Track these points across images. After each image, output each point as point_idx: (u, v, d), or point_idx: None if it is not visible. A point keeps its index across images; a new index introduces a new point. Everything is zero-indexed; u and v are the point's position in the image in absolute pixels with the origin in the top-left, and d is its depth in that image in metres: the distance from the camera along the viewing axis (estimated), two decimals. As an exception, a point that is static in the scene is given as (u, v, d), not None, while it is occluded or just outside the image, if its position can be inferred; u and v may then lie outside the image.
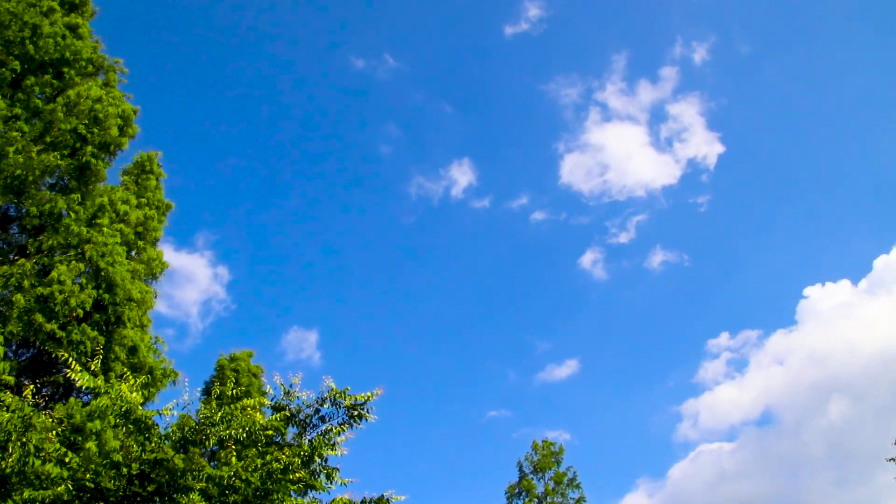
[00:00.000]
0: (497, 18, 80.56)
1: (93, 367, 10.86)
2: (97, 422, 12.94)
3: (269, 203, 78.56)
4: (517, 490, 34.96)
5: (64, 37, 17.57)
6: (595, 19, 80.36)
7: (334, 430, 10.90)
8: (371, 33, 77.88)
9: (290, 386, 11.14)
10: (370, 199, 79.73)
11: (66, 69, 17.71)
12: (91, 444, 12.04)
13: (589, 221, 75.02)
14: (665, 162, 71.80)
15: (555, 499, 34.15)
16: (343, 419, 11.03)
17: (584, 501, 34.22)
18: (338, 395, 10.95)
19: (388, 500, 11.06)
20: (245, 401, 11.18)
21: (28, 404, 9.75)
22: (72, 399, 14.73)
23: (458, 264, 76.39)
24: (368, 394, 10.95)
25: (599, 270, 72.81)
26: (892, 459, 18.85)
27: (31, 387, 10.84)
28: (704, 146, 70.33)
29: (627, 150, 71.15)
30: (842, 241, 71.57)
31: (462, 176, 75.34)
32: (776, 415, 61.89)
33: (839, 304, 60.92)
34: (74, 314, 14.58)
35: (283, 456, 10.40)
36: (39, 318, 14.06)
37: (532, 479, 35.19)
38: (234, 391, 11.48)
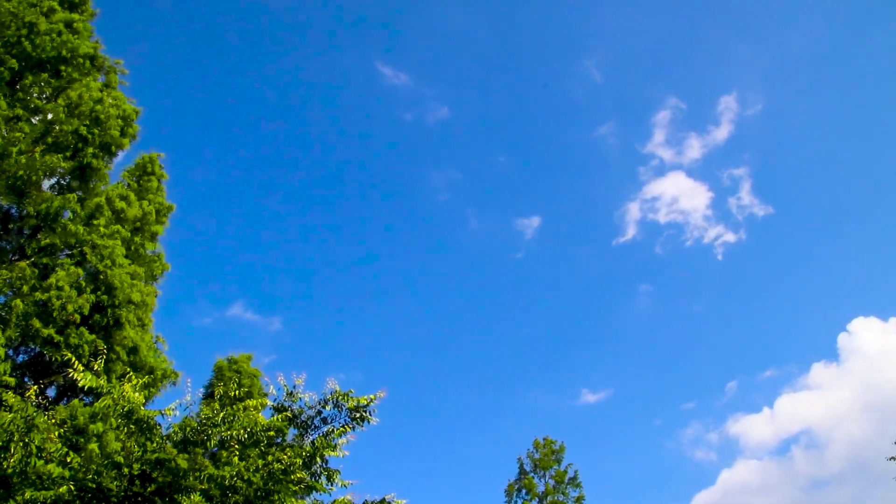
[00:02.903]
0: (551, 68, 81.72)
1: (96, 367, 10.87)
2: (99, 424, 12.94)
3: (316, 244, 78.67)
4: (517, 487, 34.75)
5: (60, 33, 17.46)
6: (650, 71, 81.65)
7: (336, 432, 10.90)
8: (423, 74, 78.29)
9: (294, 387, 11.14)
10: (422, 240, 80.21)
11: (63, 67, 17.63)
12: (93, 446, 12.05)
13: (640, 266, 76.23)
14: (715, 212, 73.37)
15: (556, 497, 34.00)
16: (345, 421, 11.05)
17: (585, 500, 34.17)
18: (340, 397, 10.95)
19: (389, 502, 11.07)
20: (248, 401, 11.21)
21: (31, 405, 9.76)
22: (75, 401, 14.72)
23: (513, 307, 77.31)
24: (371, 396, 10.96)
25: (649, 311, 74.58)
26: (892, 459, 18.87)
27: (35, 388, 10.83)
28: (758, 206, 72.24)
29: (680, 201, 72.80)
30: (887, 277, 72.38)
31: (520, 222, 76.36)
32: (809, 439, 62.71)
33: (882, 338, 61.86)
34: (72, 318, 14.57)
35: (285, 457, 10.41)
36: (37, 323, 14.04)
37: (533, 477, 34.89)
38: (237, 392, 11.49)
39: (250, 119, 78.52)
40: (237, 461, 10.82)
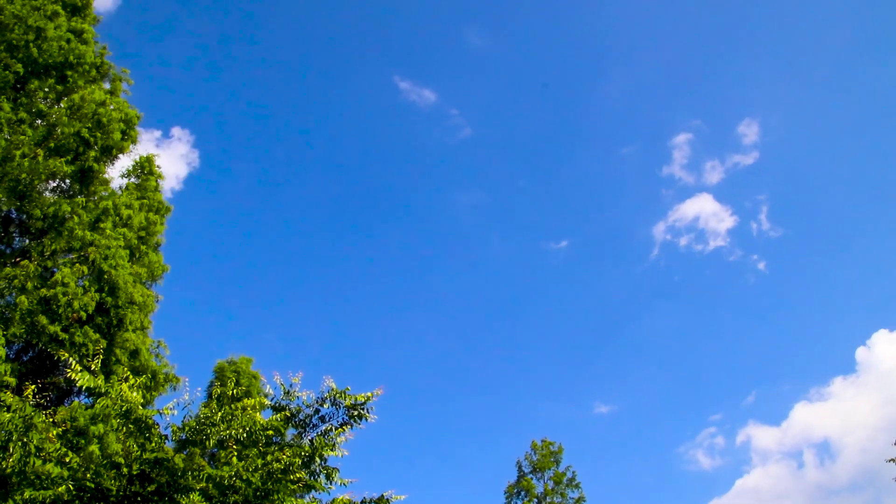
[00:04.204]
0: (575, 90, 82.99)
1: (93, 368, 10.91)
2: (100, 425, 12.99)
3: (335, 261, 79.17)
4: (516, 490, 34.56)
5: (68, 41, 17.65)
6: (672, 94, 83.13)
7: (335, 431, 10.92)
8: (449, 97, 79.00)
9: (290, 386, 11.15)
10: (449, 261, 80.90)
11: (69, 73, 17.79)
12: (94, 447, 12.09)
13: (662, 286, 77.42)
14: (736, 232, 74.38)
15: (554, 499, 33.86)
16: (343, 419, 11.05)
17: (584, 501, 34.00)
18: (338, 395, 10.94)
19: (388, 499, 11.06)
20: (245, 401, 11.25)
21: (29, 405, 9.80)
22: (75, 402, 14.79)
23: (539, 321, 77.89)
24: (368, 394, 10.93)
25: (669, 327, 75.93)
26: (892, 460, 18.78)
27: (32, 387, 10.87)
28: (778, 226, 74.38)
29: (703, 222, 73.87)
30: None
31: (545, 245, 77.72)
32: (823, 450, 63.14)
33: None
34: (77, 316, 14.64)
35: (284, 456, 10.42)
36: (43, 319, 14.11)
37: (531, 478, 34.75)
38: (235, 391, 11.53)
39: (267, 134, 79.37)
40: (235, 461, 10.86)
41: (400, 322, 76.89)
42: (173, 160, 59.61)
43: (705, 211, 72.95)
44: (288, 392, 11.12)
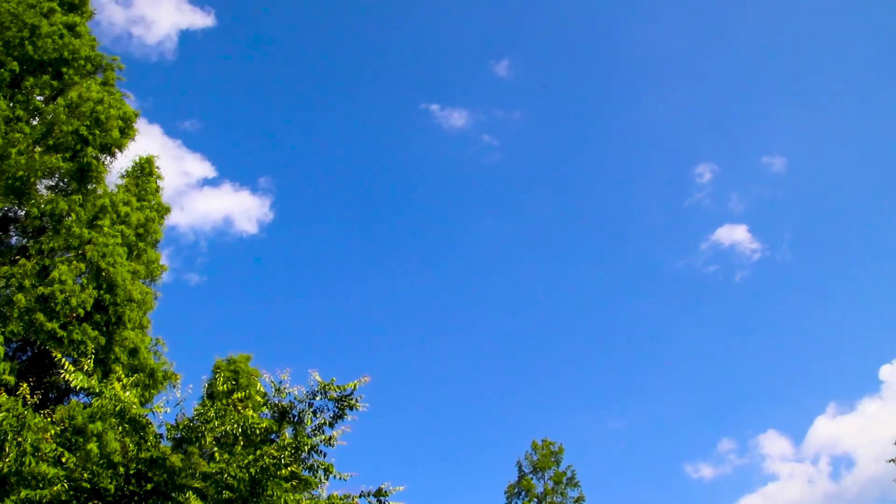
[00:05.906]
0: (597, 117, 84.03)
1: (86, 367, 10.89)
2: (98, 423, 12.99)
3: (359, 280, 79.14)
4: (516, 490, 34.46)
5: (62, 35, 17.55)
6: (696, 124, 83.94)
7: (324, 422, 10.95)
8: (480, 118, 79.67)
9: (280, 382, 11.14)
10: (473, 282, 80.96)
11: (65, 69, 17.73)
12: (92, 446, 12.09)
13: (685, 306, 78.19)
14: (762, 256, 74.97)
15: (554, 498, 33.80)
16: (335, 412, 11.08)
17: (584, 501, 33.96)
18: (326, 386, 10.99)
19: (385, 491, 11.06)
20: (237, 394, 11.26)
21: (21, 403, 9.78)
22: (73, 401, 14.78)
23: (559, 335, 78.45)
24: (354, 382, 10.95)
25: (693, 347, 76.18)
26: (892, 461, 18.70)
27: (25, 385, 10.84)
28: (802, 248, 75.73)
29: (727, 248, 74.75)
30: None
31: (573, 272, 78.45)
32: (839, 462, 63.65)
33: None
34: (75, 314, 14.61)
35: (273, 450, 10.43)
36: (40, 317, 14.09)
37: (531, 478, 34.61)
38: (226, 386, 11.53)
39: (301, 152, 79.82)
40: (223, 456, 10.86)
41: (419, 337, 76.96)
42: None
43: (731, 239, 73.97)
44: (278, 389, 11.11)
